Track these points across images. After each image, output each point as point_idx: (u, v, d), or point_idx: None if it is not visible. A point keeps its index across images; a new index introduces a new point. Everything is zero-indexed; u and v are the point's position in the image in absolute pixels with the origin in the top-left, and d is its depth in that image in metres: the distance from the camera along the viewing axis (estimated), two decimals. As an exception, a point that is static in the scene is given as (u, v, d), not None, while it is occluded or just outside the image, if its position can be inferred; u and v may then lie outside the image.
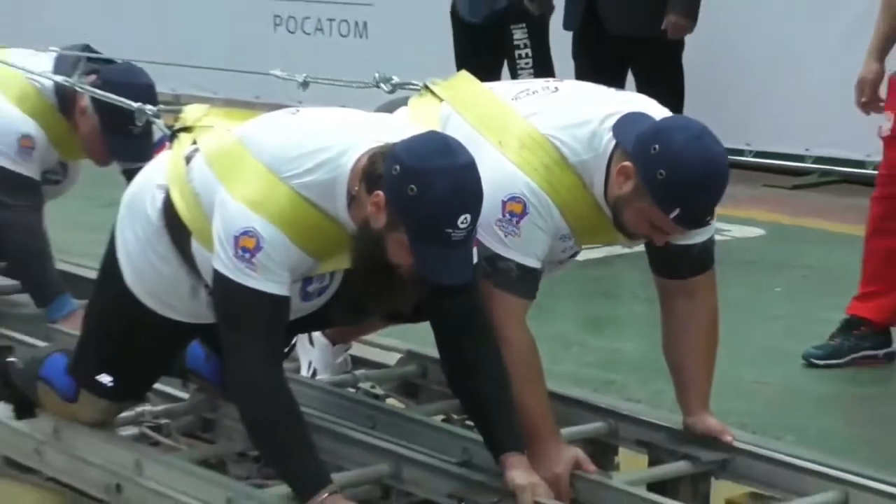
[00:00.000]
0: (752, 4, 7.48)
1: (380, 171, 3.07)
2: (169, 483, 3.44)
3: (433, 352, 3.44)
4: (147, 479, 3.49)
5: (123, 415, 3.77)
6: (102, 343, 3.59)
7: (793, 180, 7.66)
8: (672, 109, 3.48)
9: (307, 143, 3.20)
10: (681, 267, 3.49)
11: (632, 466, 3.69)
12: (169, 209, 3.36)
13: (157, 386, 3.83)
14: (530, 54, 6.56)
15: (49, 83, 4.67)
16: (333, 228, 3.18)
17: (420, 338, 3.74)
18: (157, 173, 3.45)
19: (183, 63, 5.73)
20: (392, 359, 4.29)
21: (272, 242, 3.13)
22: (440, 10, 7.07)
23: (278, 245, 3.14)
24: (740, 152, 7.48)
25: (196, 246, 3.32)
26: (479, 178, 3.08)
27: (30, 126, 4.73)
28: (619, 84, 6.48)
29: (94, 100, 4.51)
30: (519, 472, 3.23)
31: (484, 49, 6.60)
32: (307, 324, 3.54)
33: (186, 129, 3.46)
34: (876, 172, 5.22)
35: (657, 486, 3.46)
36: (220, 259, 3.18)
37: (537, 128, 3.35)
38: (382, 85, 3.83)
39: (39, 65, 4.75)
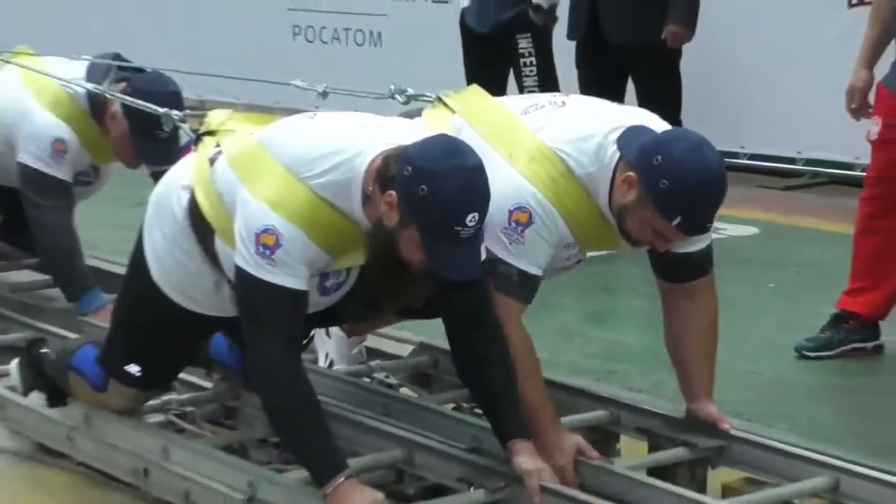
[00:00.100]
0: (747, 14, 7.45)
1: (392, 172, 3.07)
2: (194, 467, 3.45)
3: (444, 344, 3.44)
4: (173, 464, 3.49)
5: (151, 403, 3.77)
6: (131, 335, 3.59)
7: (785, 182, 7.64)
8: (670, 115, 3.49)
9: (324, 145, 3.20)
10: (682, 271, 3.50)
11: (632, 453, 3.69)
12: (194, 209, 3.36)
13: (182, 375, 3.84)
14: (535, 63, 6.56)
15: (81, 90, 4.68)
16: (349, 226, 3.18)
17: (431, 330, 3.74)
18: (183, 175, 3.45)
19: (211, 73, 5.73)
20: (405, 350, 4.29)
21: (291, 240, 3.13)
22: (450, 21, 7.08)
23: (297, 242, 3.14)
24: (735, 155, 7.46)
25: (219, 243, 3.32)
26: (487, 179, 3.08)
27: (63, 130, 4.74)
28: (619, 91, 6.52)
29: (124, 106, 4.51)
30: (525, 458, 3.24)
31: (491, 58, 6.60)
32: (325, 319, 3.54)
33: (210, 133, 3.46)
34: (864, 174, 5.20)
35: (657, 472, 3.46)
36: (241, 255, 3.18)
37: (545, 141, 3.37)
38: (397, 96, 3.84)
39: (72, 72, 4.75)
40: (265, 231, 3.13)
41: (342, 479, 3.14)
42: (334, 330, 4.11)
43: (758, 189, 7.48)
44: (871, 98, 4.84)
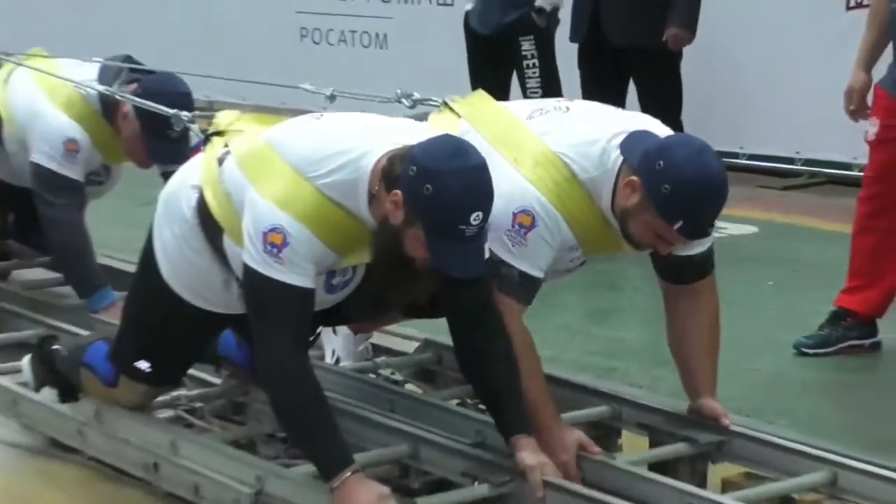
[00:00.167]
0: (747, 15, 7.44)
1: (398, 171, 3.06)
2: (203, 462, 3.44)
3: (448, 340, 3.43)
4: (182, 459, 3.49)
5: (160, 398, 3.76)
6: (141, 332, 3.58)
7: (784, 181, 7.63)
8: (671, 116, 3.48)
9: (331, 146, 3.19)
10: (684, 273, 3.51)
11: (634, 448, 3.69)
12: (203, 208, 3.35)
13: (191, 372, 3.83)
14: (537, 64, 6.55)
15: (93, 91, 4.67)
16: (355, 225, 3.17)
17: (436, 328, 3.73)
18: (192, 174, 3.44)
19: (220, 76, 5.72)
20: (410, 347, 4.28)
21: (298, 238, 3.12)
22: (455, 23, 7.06)
23: (304, 241, 3.13)
24: (734, 155, 7.44)
25: (228, 242, 3.31)
26: (491, 178, 3.07)
27: (75, 131, 4.73)
28: (620, 92, 6.51)
29: (135, 107, 4.51)
30: (528, 453, 3.23)
31: (494, 60, 6.59)
32: (332, 317, 3.53)
33: (219, 134, 3.46)
34: (862, 174, 5.19)
35: (658, 466, 3.45)
36: (249, 254, 3.17)
37: (549, 146, 3.37)
38: (403, 101, 3.83)
39: (85, 74, 4.75)
40: (273, 230, 3.12)
41: (349, 473, 3.13)
42: (341, 327, 4.11)
43: (757, 189, 7.47)
44: (870, 99, 4.84)
